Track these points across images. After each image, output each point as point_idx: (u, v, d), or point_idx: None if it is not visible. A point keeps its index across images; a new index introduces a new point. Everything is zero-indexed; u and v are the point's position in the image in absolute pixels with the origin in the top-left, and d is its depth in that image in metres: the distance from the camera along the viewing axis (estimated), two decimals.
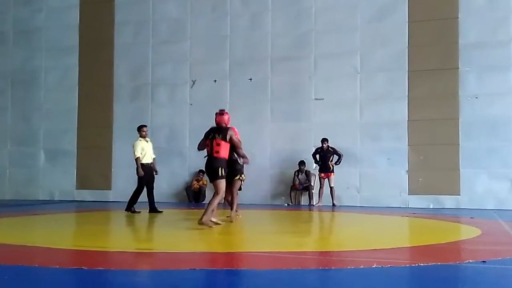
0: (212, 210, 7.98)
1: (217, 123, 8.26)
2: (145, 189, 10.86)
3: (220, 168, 7.95)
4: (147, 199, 10.90)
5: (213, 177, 8.01)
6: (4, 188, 16.31)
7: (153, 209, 10.83)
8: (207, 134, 8.20)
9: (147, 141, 10.96)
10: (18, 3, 16.66)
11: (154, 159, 11.05)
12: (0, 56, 16.65)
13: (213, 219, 8.04)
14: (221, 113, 8.31)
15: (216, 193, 8.01)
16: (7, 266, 4.86)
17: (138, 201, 10.97)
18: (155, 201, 10.97)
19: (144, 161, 10.76)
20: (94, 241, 6.94)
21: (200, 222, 7.73)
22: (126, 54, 15.56)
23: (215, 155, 7.99)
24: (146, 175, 10.75)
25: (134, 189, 10.92)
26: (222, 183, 8.00)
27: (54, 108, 16.01)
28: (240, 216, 9.48)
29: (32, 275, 4.60)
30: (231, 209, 9.19)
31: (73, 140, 15.80)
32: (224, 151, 8.02)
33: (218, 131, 8.10)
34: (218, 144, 7.99)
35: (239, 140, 8.36)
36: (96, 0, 15.96)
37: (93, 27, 15.88)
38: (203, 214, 7.81)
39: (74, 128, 15.81)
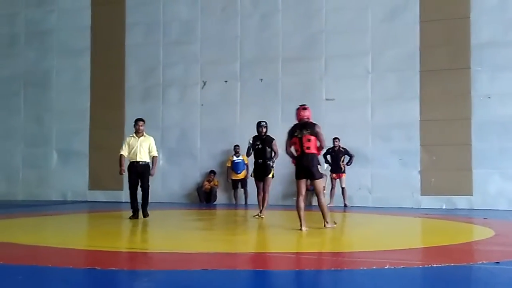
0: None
1: (300, 118, 7.86)
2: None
3: (317, 166, 7.74)
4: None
5: (311, 177, 7.72)
6: (17, 189, 16.42)
7: (143, 212, 9.74)
8: (292, 133, 7.81)
9: (138, 137, 9.71)
10: (30, 5, 16.78)
11: (154, 157, 9.81)
12: (12, 57, 16.77)
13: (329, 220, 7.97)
14: (304, 107, 7.92)
15: (318, 193, 7.83)
16: (21, 266, 4.91)
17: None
18: (148, 204, 9.87)
19: (130, 159, 9.68)
20: (107, 241, 6.97)
21: (327, 226, 7.83)
22: (137, 55, 15.62)
23: (307, 151, 7.65)
24: (132, 175, 9.72)
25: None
26: (322, 183, 7.88)
27: (66, 109, 16.10)
28: (263, 216, 9.71)
29: (45, 275, 4.63)
30: (262, 207, 9.63)
31: (85, 141, 15.88)
32: (314, 146, 7.72)
33: (305, 127, 7.73)
34: (309, 140, 7.66)
35: (323, 136, 7.94)
36: (107, 1, 16.04)
37: (105, 29, 15.95)
38: (325, 219, 7.83)
39: (86, 129, 15.89)
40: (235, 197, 14.48)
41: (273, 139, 9.97)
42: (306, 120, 7.83)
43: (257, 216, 9.78)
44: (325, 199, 7.85)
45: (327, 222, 7.82)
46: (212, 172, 14.59)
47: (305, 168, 7.68)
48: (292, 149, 7.93)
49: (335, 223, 8.01)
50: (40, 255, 5.77)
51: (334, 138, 13.29)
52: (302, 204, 7.78)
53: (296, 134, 7.72)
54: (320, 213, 8.01)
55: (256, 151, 9.94)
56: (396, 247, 6.29)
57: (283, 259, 5.60)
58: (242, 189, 14.38)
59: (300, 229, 7.68)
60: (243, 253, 6.08)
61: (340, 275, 4.71)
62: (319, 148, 7.88)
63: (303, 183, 7.84)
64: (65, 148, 16.07)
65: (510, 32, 12.94)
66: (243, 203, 14.31)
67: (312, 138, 7.66)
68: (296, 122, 7.97)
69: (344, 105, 13.82)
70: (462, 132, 12.99)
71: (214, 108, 14.90)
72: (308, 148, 7.64)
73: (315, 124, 7.80)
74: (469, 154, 12.91)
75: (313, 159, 7.69)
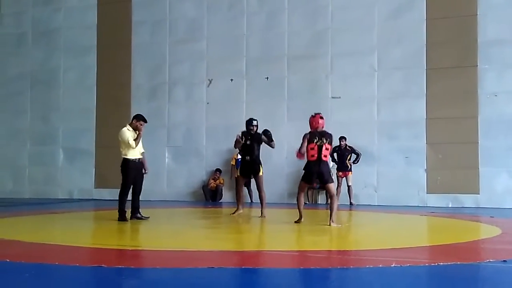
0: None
1: (316, 126, 8.42)
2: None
3: (330, 172, 8.51)
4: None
5: (326, 181, 8.36)
6: (24, 187, 16.51)
7: (136, 215, 9.10)
8: (311, 138, 8.32)
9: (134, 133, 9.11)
10: (37, 4, 16.84)
11: (143, 153, 9.31)
12: (19, 56, 16.84)
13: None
14: (321, 116, 8.52)
15: (332, 195, 8.39)
16: (28, 264, 4.93)
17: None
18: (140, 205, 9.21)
19: (132, 156, 9.01)
20: (113, 239, 6.99)
21: (332, 225, 8.14)
22: (143, 54, 15.65)
23: (324, 159, 8.30)
24: (133, 173, 9.05)
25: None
26: (334, 185, 8.60)
27: (72, 108, 16.15)
28: (241, 212, 9.91)
29: (52, 273, 4.65)
30: (262, 206, 9.66)
31: (92, 140, 15.93)
32: (328, 155, 8.45)
33: (324, 136, 8.33)
34: (327, 149, 8.34)
35: None
36: (113, 0, 16.08)
37: (111, 27, 15.99)
38: (331, 218, 8.20)
39: (93, 127, 15.94)
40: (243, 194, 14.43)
41: (261, 135, 9.71)
42: (323, 128, 8.45)
43: (234, 214, 9.89)
44: (337, 202, 8.51)
45: (333, 221, 8.19)
46: (218, 170, 14.60)
47: (320, 173, 8.30)
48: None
49: (341, 225, 8.35)
50: (47, 253, 5.79)
51: (341, 137, 13.25)
52: (303, 200, 8.69)
53: (316, 141, 8.28)
54: (328, 212, 8.46)
55: (245, 148, 9.74)
56: (402, 245, 6.28)
57: (289, 257, 5.60)
58: (246, 188, 14.32)
59: (298, 221, 8.51)
60: (249, 251, 6.08)
61: (346, 273, 4.70)
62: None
63: (307, 186, 8.73)
64: (71, 146, 16.13)
65: None
66: (248, 201, 14.29)
67: (330, 147, 8.40)
68: (311, 128, 8.46)
69: (350, 103, 13.80)
70: (469, 130, 12.93)
71: (220, 106, 14.90)
72: (325, 156, 8.32)
73: (331, 134, 8.47)
74: (475, 152, 12.86)
75: (328, 166, 8.45)
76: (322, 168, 8.26)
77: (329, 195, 8.60)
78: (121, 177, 9.16)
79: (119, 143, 9.16)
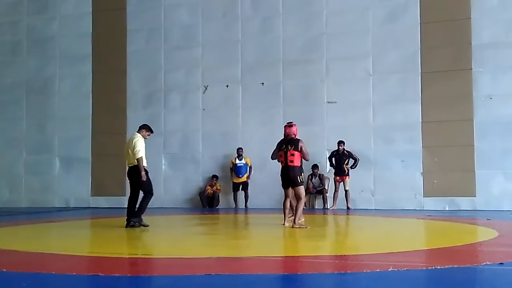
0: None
1: (286, 135, 9.03)
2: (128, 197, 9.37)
3: (298, 176, 8.85)
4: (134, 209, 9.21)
5: (293, 184, 8.88)
6: (20, 196, 16.44)
7: (132, 223, 9.12)
8: (279, 146, 9.01)
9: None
10: (32, 12, 16.83)
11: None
12: (14, 65, 16.81)
13: (302, 219, 8.97)
14: (290, 125, 9.10)
15: (299, 198, 8.83)
16: (24, 273, 4.91)
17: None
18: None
19: (145, 164, 9.08)
20: (110, 248, 6.97)
21: (295, 226, 8.60)
22: (138, 61, 15.64)
23: (289, 164, 8.83)
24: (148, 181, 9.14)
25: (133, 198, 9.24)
26: (303, 189, 8.93)
27: (68, 116, 16.12)
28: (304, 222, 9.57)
29: (49, 282, 4.64)
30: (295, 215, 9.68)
31: (88, 147, 15.90)
32: (297, 160, 8.87)
33: (290, 143, 8.90)
34: (292, 155, 8.83)
35: (306, 151, 9.00)
36: (108, 8, 16.08)
37: (106, 35, 15.98)
38: (295, 219, 8.71)
39: (89, 135, 15.91)
40: (235, 200, 14.45)
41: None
42: (293, 136, 8.99)
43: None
44: (302, 205, 8.93)
45: (295, 223, 8.67)
46: (215, 176, 14.58)
47: (287, 177, 8.93)
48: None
49: (306, 227, 8.68)
50: (44, 262, 5.77)
51: (339, 142, 13.29)
52: (287, 204, 9.11)
53: (282, 148, 8.95)
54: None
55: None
56: (399, 249, 6.28)
57: (286, 263, 5.59)
58: (243, 192, 14.33)
59: (283, 224, 8.91)
60: (246, 258, 6.07)
61: (344, 278, 4.70)
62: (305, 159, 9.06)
63: (288, 190, 9.06)
64: (67, 154, 16.09)
65: (511, 32, 12.92)
66: (243, 206, 14.26)
67: (296, 153, 8.86)
68: (284, 136, 9.10)
69: (345, 107, 13.83)
70: (465, 133, 12.97)
71: (216, 112, 14.91)
72: (292, 161, 8.85)
73: (299, 140, 8.95)
74: (471, 155, 12.89)
75: (294, 170, 8.86)
76: (289, 172, 8.84)
77: (295, 197, 8.93)
78: (139, 185, 9.06)
79: (129, 150, 9.01)
